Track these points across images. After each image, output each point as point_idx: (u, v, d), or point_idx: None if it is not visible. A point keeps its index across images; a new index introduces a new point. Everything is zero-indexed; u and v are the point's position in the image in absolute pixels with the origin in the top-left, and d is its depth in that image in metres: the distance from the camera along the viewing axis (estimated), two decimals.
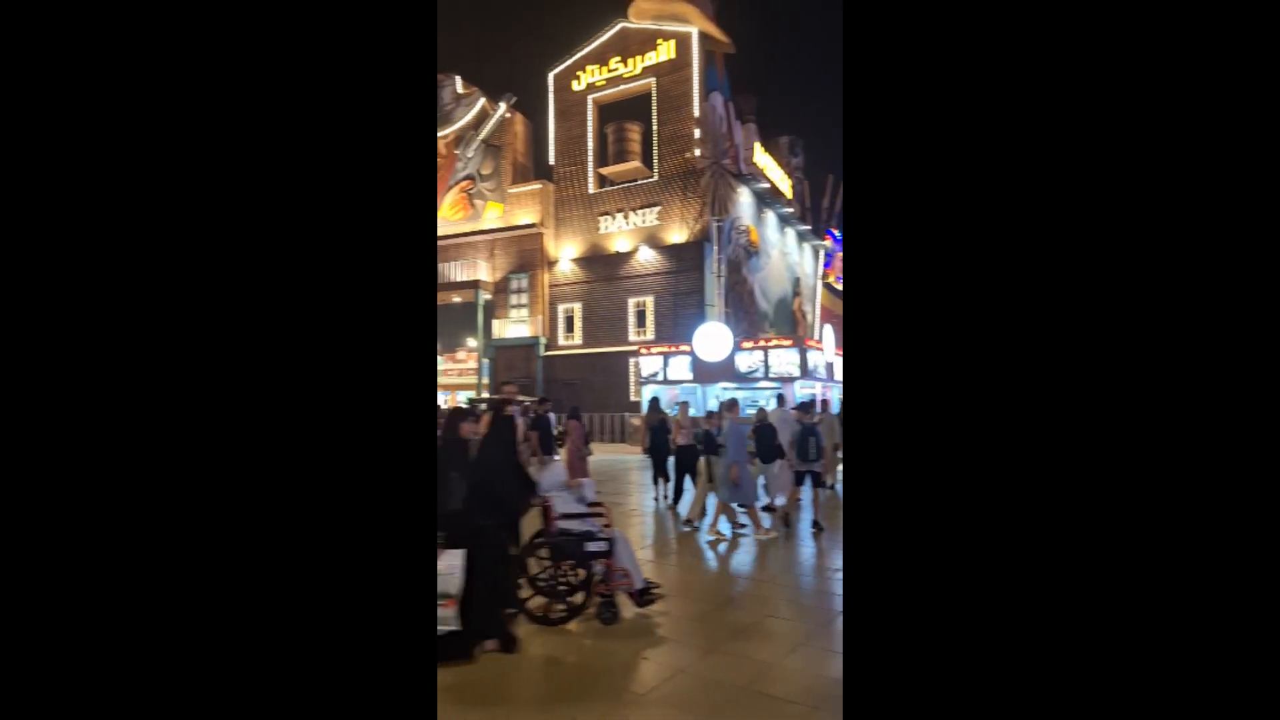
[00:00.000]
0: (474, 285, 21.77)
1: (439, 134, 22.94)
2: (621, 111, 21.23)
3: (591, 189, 20.89)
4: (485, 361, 21.92)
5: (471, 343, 21.83)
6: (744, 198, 20.43)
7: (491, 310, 21.85)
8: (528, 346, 21.17)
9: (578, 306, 20.77)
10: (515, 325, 21.56)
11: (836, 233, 28.25)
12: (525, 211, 21.57)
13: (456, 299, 23.48)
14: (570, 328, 20.93)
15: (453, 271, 22.66)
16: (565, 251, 21.06)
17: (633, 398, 19.01)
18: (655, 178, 19.98)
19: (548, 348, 21.03)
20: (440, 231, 22.75)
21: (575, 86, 21.31)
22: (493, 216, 22.03)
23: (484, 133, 22.16)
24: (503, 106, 21.88)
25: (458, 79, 22.99)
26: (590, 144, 21.05)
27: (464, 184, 22.55)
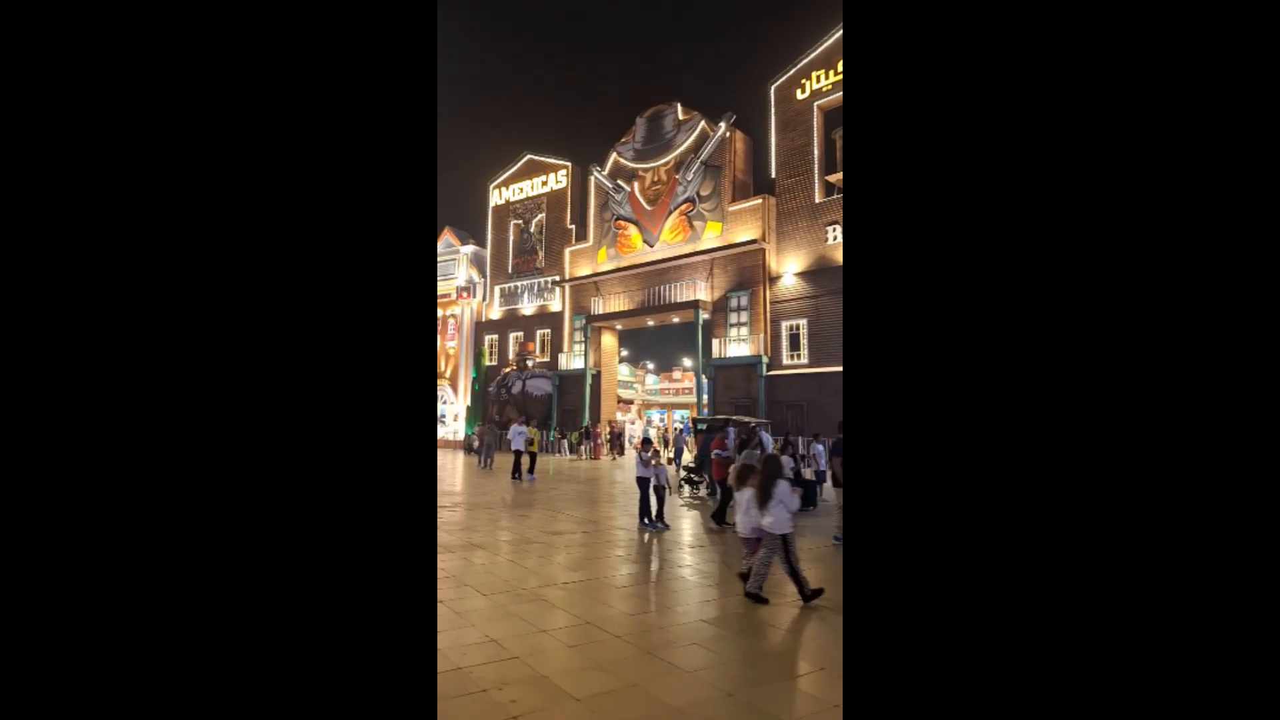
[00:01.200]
0: (693, 305, 21.74)
1: (660, 162, 23.69)
2: None
3: (818, 198, 19.73)
4: (704, 380, 21.63)
5: (688, 362, 21.74)
6: None
7: (710, 329, 21.59)
8: (748, 366, 20.42)
9: (803, 323, 19.55)
10: (735, 344, 20.99)
11: None
12: (745, 228, 21.09)
13: (675, 319, 23.72)
14: (795, 346, 19.75)
15: (672, 293, 22.96)
16: (788, 266, 20.07)
17: None
18: None
19: (770, 367, 20.06)
20: (659, 255, 23.29)
21: (799, 95, 20.49)
22: (711, 237, 21.92)
23: (704, 154, 22.31)
24: (722, 126, 21.85)
25: (678, 106, 23.60)
26: (816, 152, 19.97)
27: (684, 207, 22.86)
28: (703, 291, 22.03)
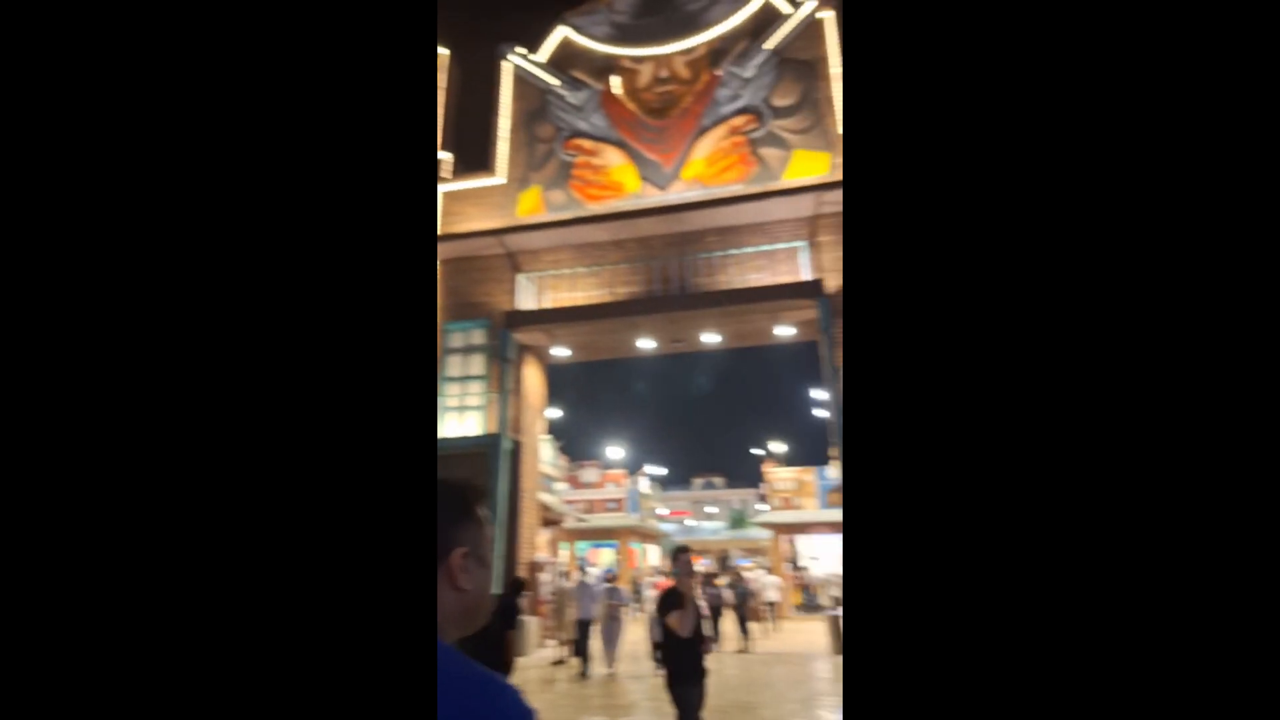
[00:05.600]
0: (799, 292, 10.27)
1: (674, 48, 12.59)
2: None
3: None
4: (840, 459, 9.83)
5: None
6: None
7: (833, 348, 10.24)
8: None
9: None
10: None
11: None
12: None
13: (711, 337, 11.56)
14: None
15: (737, 269, 11.09)
16: None
17: None
18: None
19: None
20: (694, 197, 11.48)
21: None
22: (804, 180, 11.26)
23: (774, 41, 12.09)
24: (810, 3, 12.12)
25: None
26: None
27: (739, 122, 11.86)
28: (807, 269, 10.79)
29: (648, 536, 20.55)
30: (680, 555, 3.43)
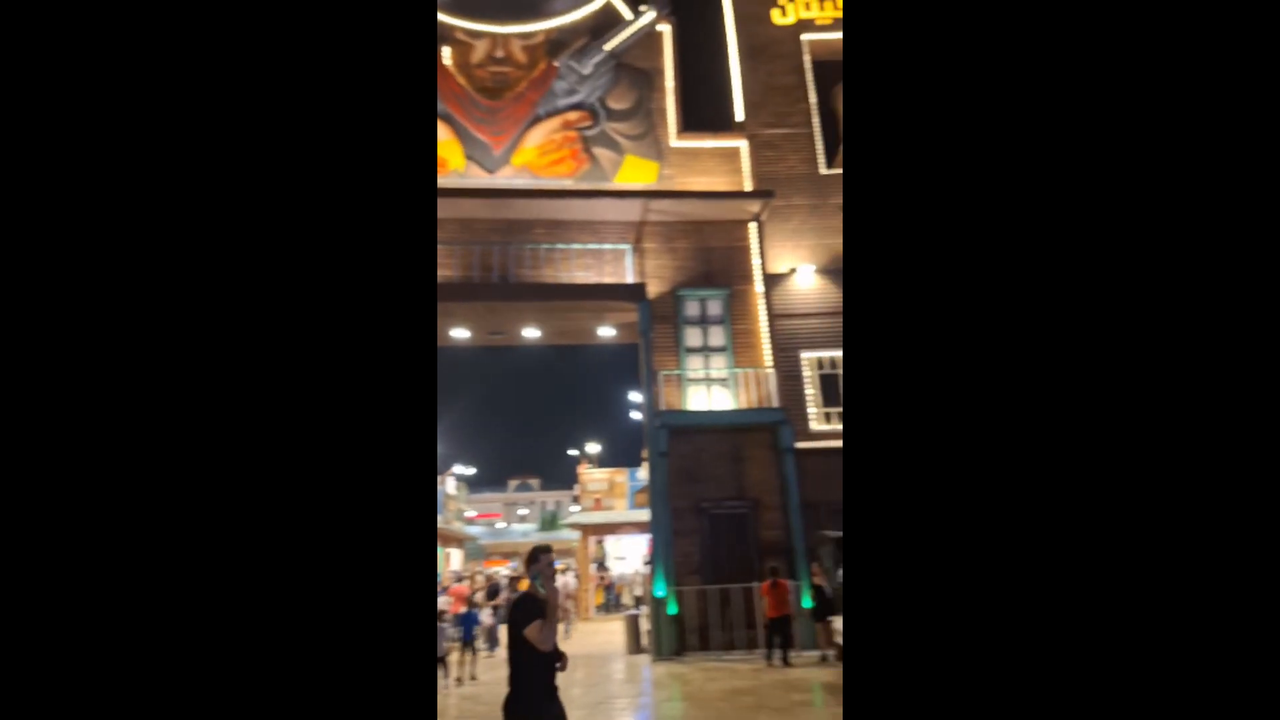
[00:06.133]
0: (623, 294, 10.31)
1: (516, 29, 12.05)
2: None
3: (824, 169, 12.27)
4: (649, 460, 9.96)
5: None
6: None
7: (651, 353, 10.42)
8: (742, 431, 10.17)
9: (840, 355, 10.95)
10: (702, 389, 10.49)
11: None
12: (706, 179, 11.63)
13: (533, 332, 11.11)
14: (833, 398, 10.80)
15: (563, 265, 10.77)
16: (787, 259, 11.49)
17: None
18: None
19: (800, 434, 10.31)
20: (523, 184, 11.00)
21: (778, 19, 13.25)
22: (635, 186, 11.43)
23: (616, 45, 12.15)
24: (650, 14, 12.41)
25: None
26: (813, 100, 12.77)
27: (573, 117, 11.67)
28: (630, 275, 10.87)
29: (451, 540, 19.42)
30: (541, 556, 2.90)
